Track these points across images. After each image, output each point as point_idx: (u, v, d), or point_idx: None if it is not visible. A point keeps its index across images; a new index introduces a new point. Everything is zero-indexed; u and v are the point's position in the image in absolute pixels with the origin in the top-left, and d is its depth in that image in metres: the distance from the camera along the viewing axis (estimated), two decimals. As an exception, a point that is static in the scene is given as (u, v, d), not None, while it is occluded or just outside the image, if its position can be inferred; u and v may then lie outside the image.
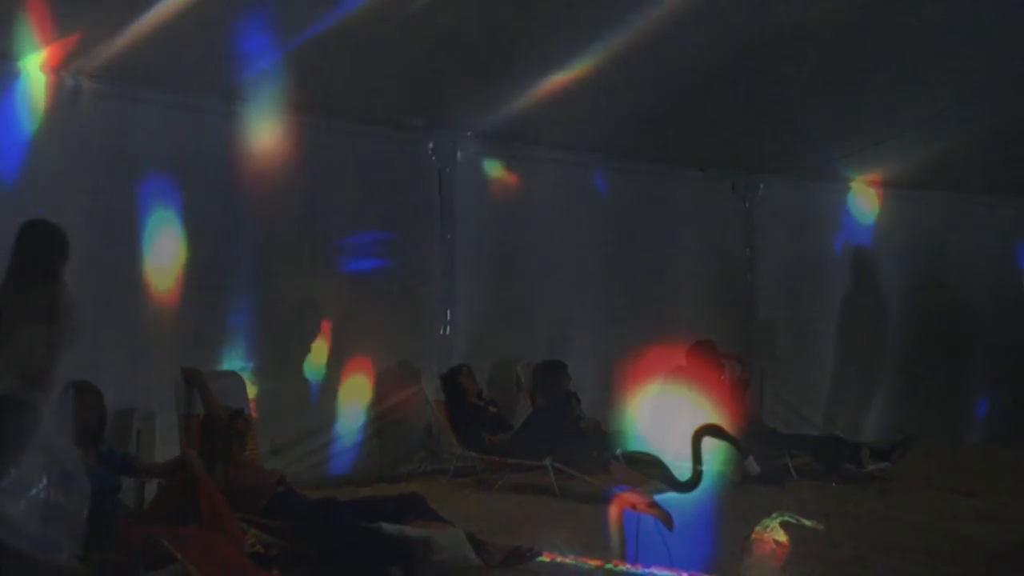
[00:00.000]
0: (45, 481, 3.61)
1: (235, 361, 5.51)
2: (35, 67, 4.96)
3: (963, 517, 4.68)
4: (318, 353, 5.63)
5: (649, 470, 4.64)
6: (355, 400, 5.75)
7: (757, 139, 5.72)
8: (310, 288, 5.59)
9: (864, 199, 7.05)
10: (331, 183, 5.57)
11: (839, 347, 6.42)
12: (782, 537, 4.40)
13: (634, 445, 4.81)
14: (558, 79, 4.93)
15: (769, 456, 5.49)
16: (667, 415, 4.71)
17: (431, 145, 5.87)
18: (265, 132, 5.17)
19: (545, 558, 4.04)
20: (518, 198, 5.82)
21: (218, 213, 5.34)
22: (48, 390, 3.73)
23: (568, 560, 4.09)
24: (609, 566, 4.05)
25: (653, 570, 4.49)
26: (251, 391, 5.43)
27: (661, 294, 6.01)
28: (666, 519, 3.96)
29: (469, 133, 5.88)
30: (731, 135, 5.63)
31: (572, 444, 5.41)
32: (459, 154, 5.93)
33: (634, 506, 3.92)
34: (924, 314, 6.55)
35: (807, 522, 4.37)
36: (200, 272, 5.20)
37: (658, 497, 4.52)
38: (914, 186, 6.88)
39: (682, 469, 4.54)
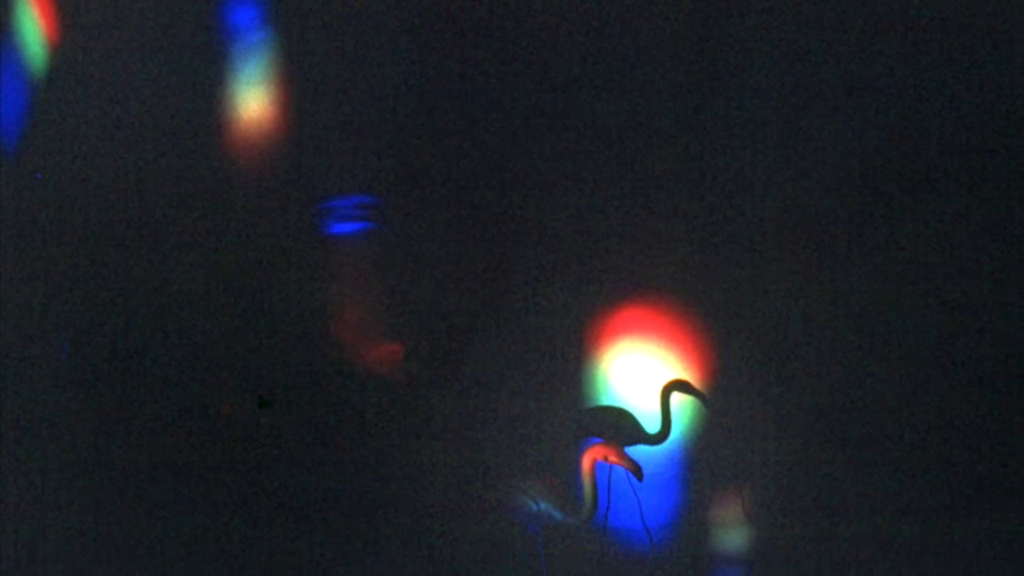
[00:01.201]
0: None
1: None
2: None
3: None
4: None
5: (619, 422, 4.89)
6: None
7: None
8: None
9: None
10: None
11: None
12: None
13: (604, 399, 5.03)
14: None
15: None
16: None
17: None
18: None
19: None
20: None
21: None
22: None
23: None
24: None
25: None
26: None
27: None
28: (636, 470, 4.12)
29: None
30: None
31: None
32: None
33: (606, 457, 4.06)
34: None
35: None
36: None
37: (628, 449, 4.79)
38: None
39: (651, 422, 4.84)
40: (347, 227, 5.72)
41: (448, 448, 5.48)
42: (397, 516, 5.65)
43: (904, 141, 4.62)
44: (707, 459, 4.78)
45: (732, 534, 4.74)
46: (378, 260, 5.61)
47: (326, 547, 5.56)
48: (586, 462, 4.10)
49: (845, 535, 4.56)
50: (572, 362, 5.04)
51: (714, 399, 4.69)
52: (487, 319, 5.27)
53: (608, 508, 4.87)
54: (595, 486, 4.12)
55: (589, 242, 4.91)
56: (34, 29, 5.83)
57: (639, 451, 4.81)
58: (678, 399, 4.73)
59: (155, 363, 5.09)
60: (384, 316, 5.62)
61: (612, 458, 4.06)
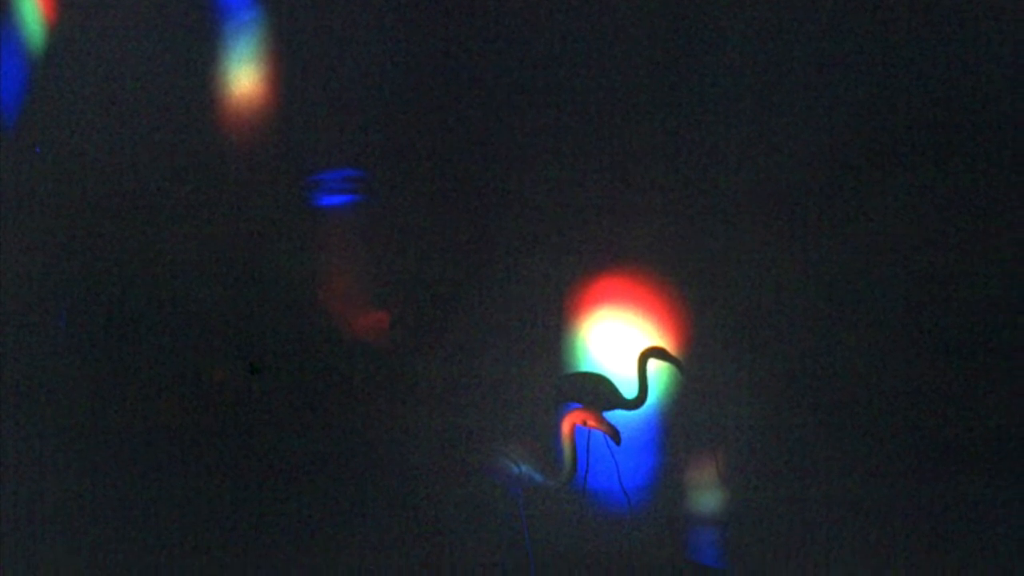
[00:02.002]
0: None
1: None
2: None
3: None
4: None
5: (597, 388, 5.00)
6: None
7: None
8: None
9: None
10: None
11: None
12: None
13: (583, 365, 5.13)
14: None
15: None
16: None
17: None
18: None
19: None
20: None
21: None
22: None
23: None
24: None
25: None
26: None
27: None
28: (614, 434, 4.18)
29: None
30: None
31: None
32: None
33: (585, 421, 4.13)
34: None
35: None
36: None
37: (606, 414, 4.89)
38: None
39: (628, 388, 4.94)
40: (335, 199, 5.81)
41: (432, 413, 5.58)
42: (383, 478, 5.77)
43: (872, 116, 4.71)
44: (682, 424, 4.87)
45: (707, 496, 4.83)
46: (365, 231, 5.71)
47: (314, 508, 5.67)
48: (566, 426, 4.17)
49: (815, 497, 4.64)
50: (552, 330, 5.12)
51: (689, 365, 4.78)
52: (470, 288, 5.37)
53: (587, 471, 4.94)
54: (574, 449, 4.19)
55: (568, 214, 4.99)
56: (32, 8, 5.95)
57: (617, 416, 4.92)
58: (655, 365, 4.79)
59: (150, 331, 5.19)
60: (370, 285, 5.73)
61: (591, 422, 4.14)
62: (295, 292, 5.78)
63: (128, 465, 4.93)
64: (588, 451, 4.93)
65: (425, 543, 5.33)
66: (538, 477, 4.23)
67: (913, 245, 4.69)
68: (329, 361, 5.92)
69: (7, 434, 5.01)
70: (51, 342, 5.14)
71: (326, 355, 5.85)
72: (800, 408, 4.65)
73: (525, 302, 5.19)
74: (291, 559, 5.07)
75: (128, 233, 6.34)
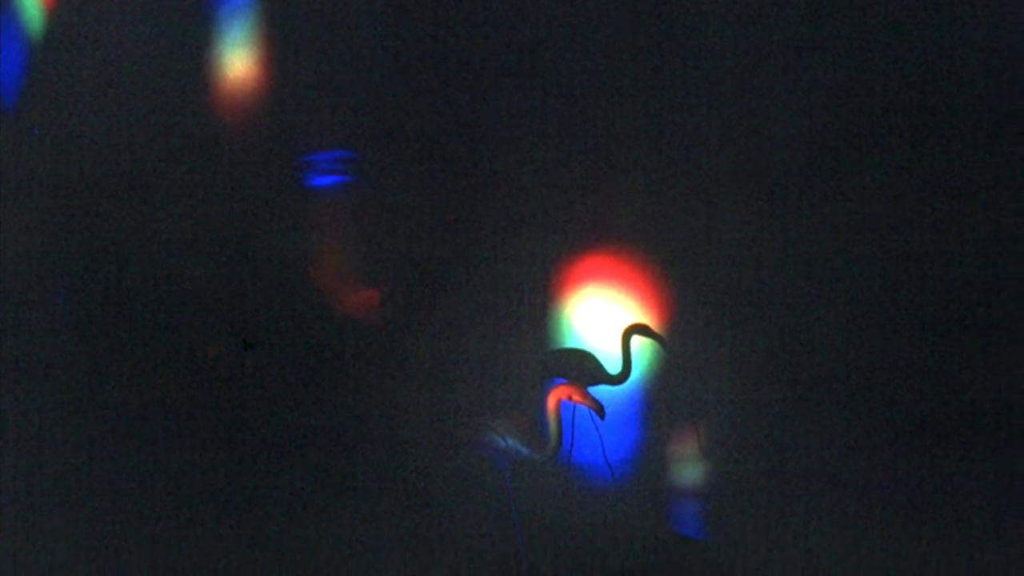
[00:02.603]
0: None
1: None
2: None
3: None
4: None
5: (582, 364, 5.09)
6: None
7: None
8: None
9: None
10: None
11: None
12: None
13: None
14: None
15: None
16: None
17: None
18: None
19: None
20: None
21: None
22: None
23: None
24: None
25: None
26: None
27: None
28: (598, 409, 4.21)
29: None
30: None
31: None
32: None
33: (570, 396, 4.17)
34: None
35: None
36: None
37: (591, 389, 4.96)
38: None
39: (612, 363, 5.02)
40: (326, 180, 5.88)
41: (421, 388, 5.68)
42: (374, 452, 5.86)
43: (851, 99, 4.79)
44: (665, 398, 4.97)
45: (688, 469, 4.92)
46: (355, 211, 5.79)
47: (306, 481, 5.74)
48: (551, 401, 4.20)
49: (795, 470, 4.70)
50: (538, 307, 5.19)
51: (671, 342, 4.87)
52: (458, 267, 5.44)
53: (572, 444, 5.01)
54: (560, 424, 4.24)
55: (554, 194, 5.06)
56: (32, -7, 6.06)
57: (601, 391, 5.01)
58: (638, 342, 4.90)
59: (145, 308, 5.27)
60: (360, 264, 5.80)
61: (576, 398, 4.18)
62: (287, 271, 5.86)
63: (124, 439, 5.01)
64: (573, 425, 5.02)
65: (414, 515, 5.42)
66: (524, 450, 4.29)
67: (889, 224, 4.75)
68: (320, 338, 6.00)
69: (7, 409, 5.09)
70: (49, 319, 5.22)
71: (318, 332, 5.92)
72: (779, 383, 4.70)
73: (512, 280, 5.25)
74: (283, 530, 5.15)
75: (125, 212, 6.42)
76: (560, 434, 4.26)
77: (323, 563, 5.05)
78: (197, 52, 6.18)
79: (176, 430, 5.04)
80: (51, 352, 5.14)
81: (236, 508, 5.02)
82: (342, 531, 5.23)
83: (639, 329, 4.88)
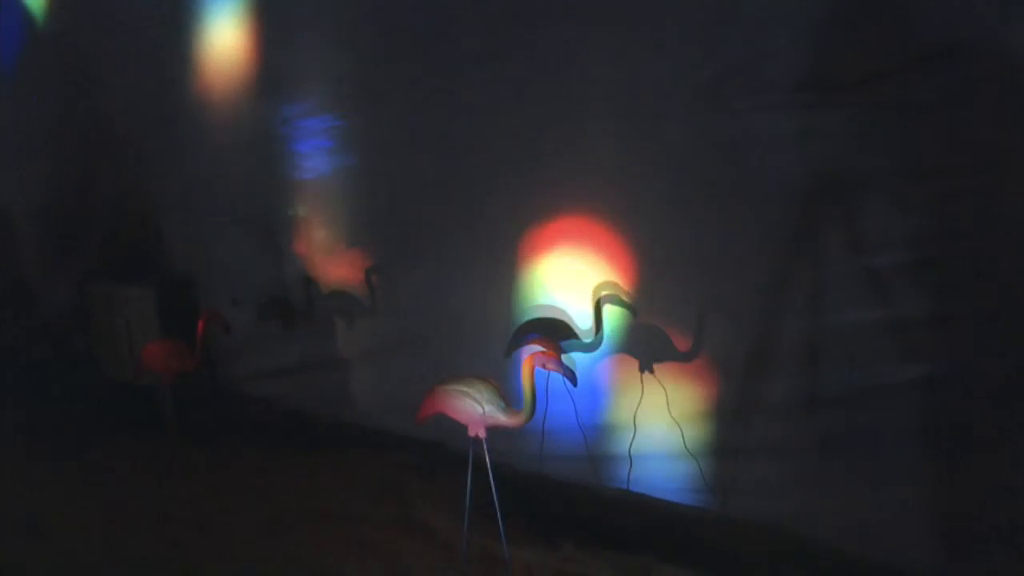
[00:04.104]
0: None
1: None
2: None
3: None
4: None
5: (556, 331, 5.19)
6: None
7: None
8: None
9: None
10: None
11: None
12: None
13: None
14: None
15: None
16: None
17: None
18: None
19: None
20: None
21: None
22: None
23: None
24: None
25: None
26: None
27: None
28: (571, 376, 4.23)
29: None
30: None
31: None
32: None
33: (544, 364, 4.21)
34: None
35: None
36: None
37: (564, 357, 5.06)
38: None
39: (586, 331, 5.14)
40: (315, 145, 5.98)
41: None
42: (353, 416, 6.06)
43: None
44: (635, 365, 5.06)
45: (658, 432, 5.04)
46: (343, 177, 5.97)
47: (299, 446, 5.97)
48: (525, 368, 4.23)
49: (756, 431, 4.79)
50: (513, 270, 5.33)
51: (640, 306, 4.98)
52: (438, 225, 5.61)
53: (546, 409, 5.23)
54: (534, 390, 4.27)
55: (528, 159, 5.16)
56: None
57: (574, 357, 5.16)
58: (610, 310, 5.02)
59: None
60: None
61: (550, 366, 4.19)
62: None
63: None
64: (547, 392, 5.14)
65: (395, 475, 5.63)
66: (501, 416, 4.32)
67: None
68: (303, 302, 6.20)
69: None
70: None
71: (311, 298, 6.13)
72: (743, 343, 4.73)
73: (486, 243, 5.39)
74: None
75: (121, 175, 6.69)
76: (534, 400, 4.30)
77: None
78: (191, 24, 6.43)
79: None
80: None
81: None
82: (327, 492, 5.44)
83: (611, 298, 4.99)
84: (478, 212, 5.42)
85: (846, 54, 4.31)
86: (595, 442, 5.25)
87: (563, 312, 5.14)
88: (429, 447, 5.72)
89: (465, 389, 4.44)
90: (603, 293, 5.03)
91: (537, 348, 4.97)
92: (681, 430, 4.97)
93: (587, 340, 5.08)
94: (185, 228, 7.04)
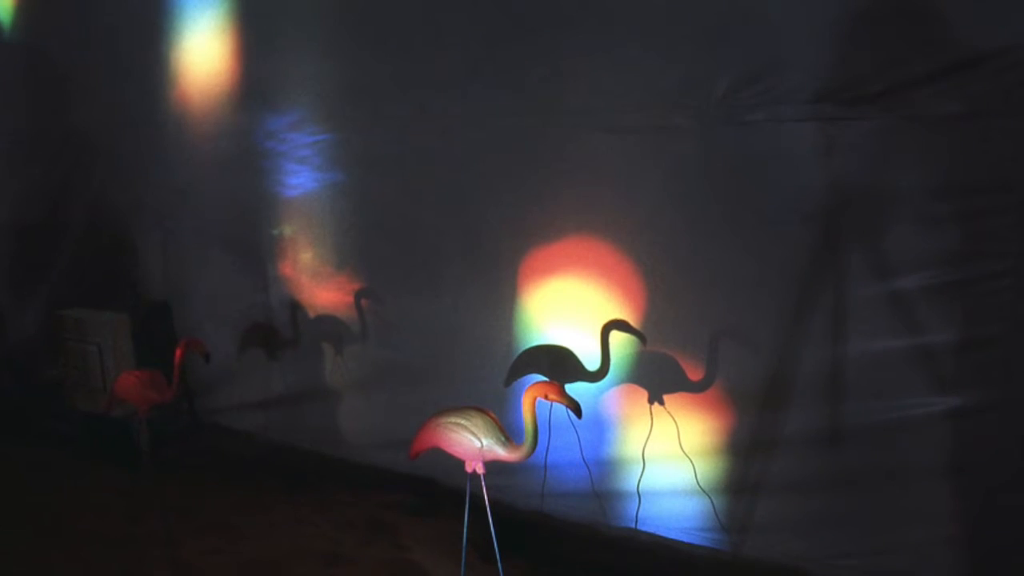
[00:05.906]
0: None
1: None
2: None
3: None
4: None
5: (559, 361, 4.98)
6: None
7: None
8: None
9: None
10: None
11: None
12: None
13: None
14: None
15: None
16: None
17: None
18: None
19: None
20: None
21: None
22: None
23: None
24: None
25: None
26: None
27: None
28: (575, 408, 4.16)
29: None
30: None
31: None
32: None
33: (546, 395, 4.12)
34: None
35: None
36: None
37: (568, 387, 4.87)
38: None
39: (591, 360, 4.93)
40: (302, 160, 5.83)
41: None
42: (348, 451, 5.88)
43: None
44: (644, 395, 4.90)
45: (668, 468, 4.88)
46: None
47: (268, 481, 5.77)
48: (527, 400, 4.15)
49: (774, 467, 4.66)
50: (514, 303, 5.18)
51: (649, 333, 4.81)
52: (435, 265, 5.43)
53: (548, 444, 5.04)
54: (535, 423, 4.20)
55: (530, 174, 5.02)
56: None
57: (578, 388, 4.96)
58: (617, 338, 4.85)
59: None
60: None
61: (552, 396, 4.12)
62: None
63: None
64: (549, 425, 4.97)
65: (386, 514, 5.42)
66: (500, 450, 4.22)
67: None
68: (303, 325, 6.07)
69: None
70: None
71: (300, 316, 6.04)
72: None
73: (484, 264, 5.22)
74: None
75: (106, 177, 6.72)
76: (536, 433, 4.18)
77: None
78: (172, 36, 6.33)
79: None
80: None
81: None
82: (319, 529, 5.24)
83: (618, 325, 4.82)
84: (475, 231, 5.25)
85: (870, 63, 4.16)
86: (601, 478, 5.09)
87: (569, 351, 5.00)
88: (423, 484, 5.57)
89: (462, 421, 4.30)
90: (609, 319, 4.85)
91: (539, 377, 4.88)
92: (693, 465, 4.81)
93: (592, 369, 4.90)
94: (163, 249, 6.83)
